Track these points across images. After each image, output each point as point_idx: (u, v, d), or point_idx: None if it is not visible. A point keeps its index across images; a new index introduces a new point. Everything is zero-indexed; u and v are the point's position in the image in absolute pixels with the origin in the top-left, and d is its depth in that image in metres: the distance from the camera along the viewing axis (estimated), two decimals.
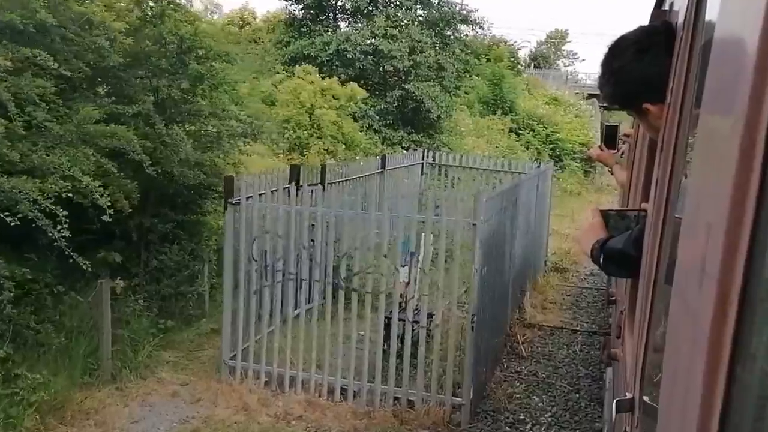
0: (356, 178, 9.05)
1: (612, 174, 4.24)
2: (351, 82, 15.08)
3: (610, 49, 1.90)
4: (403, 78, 16.90)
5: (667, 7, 2.37)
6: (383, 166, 10.23)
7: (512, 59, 28.18)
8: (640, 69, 1.82)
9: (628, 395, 1.68)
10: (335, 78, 14.84)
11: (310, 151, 13.13)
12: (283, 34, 17.14)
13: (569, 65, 54.76)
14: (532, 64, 41.53)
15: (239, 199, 5.99)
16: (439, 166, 12.34)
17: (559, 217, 18.75)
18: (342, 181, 8.62)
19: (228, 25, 18.29)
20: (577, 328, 8.62)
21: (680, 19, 1.66)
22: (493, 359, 6.91)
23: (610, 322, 6.58)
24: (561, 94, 29.11)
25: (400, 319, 5.90)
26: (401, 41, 16.29)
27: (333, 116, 13.85)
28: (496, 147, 21.67)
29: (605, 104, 2.33)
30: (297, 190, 6.36)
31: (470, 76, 26.06)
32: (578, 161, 24.87)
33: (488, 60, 24.99)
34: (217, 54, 7.23)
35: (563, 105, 27.65)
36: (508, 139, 22.66)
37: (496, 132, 22.54)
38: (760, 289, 0.59)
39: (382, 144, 16.47)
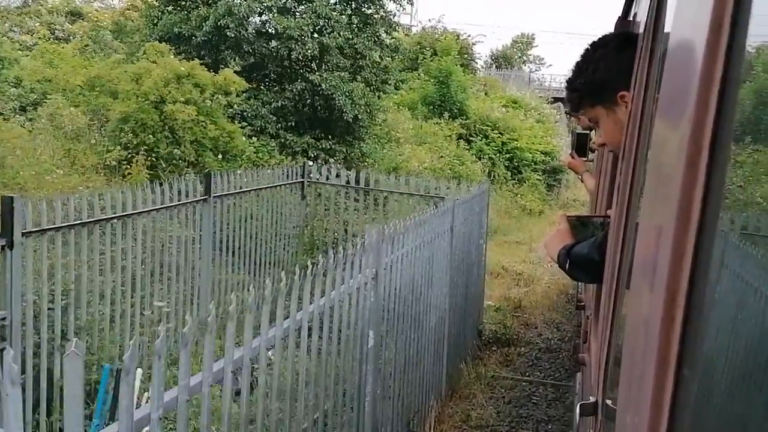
0: (120, 217, 5.04)
1: (582, 182, 4.14)
2: (226, 69, 11.05)
3: (592, 44, 2.02)
4: (310, 67, 12.94)
5: (631, 18, 2.71)
6: (208, 189, 6.23)
7: (466, 55, 24.40)
8: (622, 59, 1.89)
9: (592, 399, 1.69)
10: (197, 61, 10.80)
11: (138, 164, 9.05)
12: (152, 8, 13.04)
13: (536, 70, 51.42)
14: (494, 65, 38.00)
15: None
16: (326, 187, 8.39)
17: (514, 245, 14.96)
18: (85, 223, 4.62)
19: None
20: None
21: (641, 29, 1.77)
22: None
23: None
24: (521, 96, 25.44)
25: None
26: (303, 18, 12.33)
27: (192, 113, 9.81)
28: (441, 156, 17.84)
29: (575, 100, 2.05)
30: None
31: (415, 71, 22.27)
32: (540, 173, 21.18)
33: (434, 54, 21.18)
34: None
35: (523, 108, 23.98)
36: (456, 147, 18.85)
37: (441, 139, 18.71)
38: (707, 290, 0.61)
39: (281, 153, 12.46)
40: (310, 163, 12.56)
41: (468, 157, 18.82)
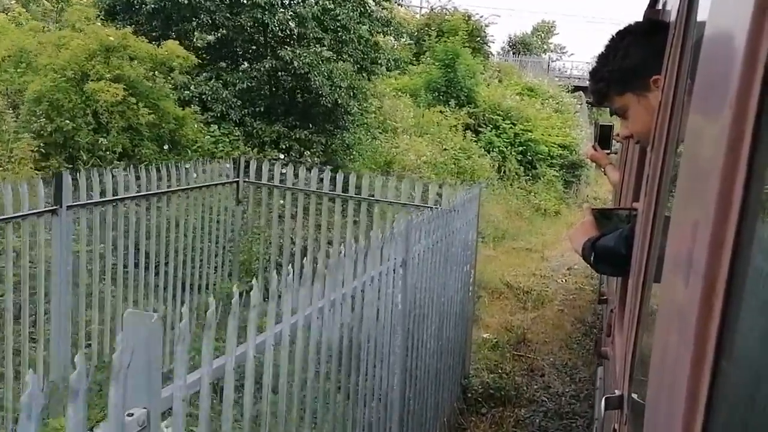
0: None
1: (605, 174, 4.02)
2: (170, 41, 9.11)
3: (617, 33, 1.94)
4: (286, 43, 10.96)
5: (660, 7, 2.53)
6: (58, 198, 4.27)
7: (478, 38, 22.26)
8: (652, 43, 1.83)
9: (617, 392, 1.68)
10: (129, 29, 8.86)
11: (28, 159, 7.19)
12: None
13: (557, 59, 48.91)
14: (510, 52, 35.72)
15: None
16: (270, 189, 6.41)
17: (524, 253, 12.91)
18: None
19: None
20: None
21: (672, 18, 1.70)
22: None
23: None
24: (538, 83, 23.25)
25: None
26: None
27: (118, 92, 7.88)
28: (444, 149, 15.80)
29: (602, 90, 1.96)
30: None
31: (421, 51, 20.20)
32: (557, 169, 19.07)
33: (441, 35, 19.07)
34: None
35: (540, 96, 21.80)
36: (462, 138, 16.78)
37: (445, 129, 16.66)
38: (745, 284, 0.61)
39: (246, 144, 10.52)
40: (282, 156, 10.65)
41: (475, 150, 16.76)
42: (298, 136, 10.82)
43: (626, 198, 3.11)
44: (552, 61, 43.38)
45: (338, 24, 11.02)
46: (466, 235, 5.23)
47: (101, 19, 10.18)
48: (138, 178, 5.42)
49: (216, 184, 6.25)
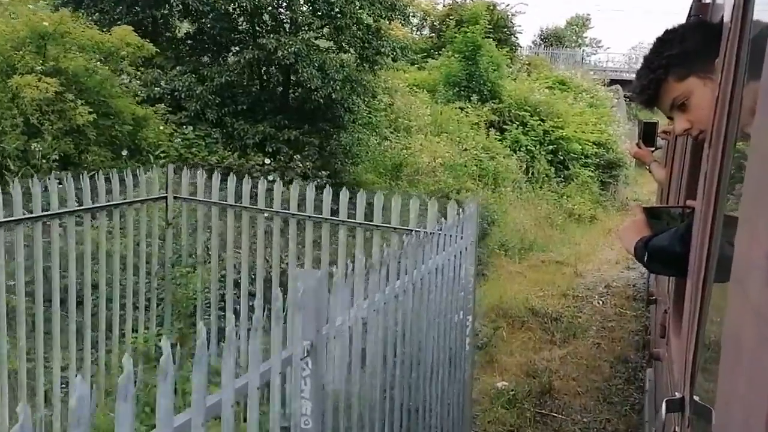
0: None
1: (650, 172, 3.98)
2: (122, 27, 7.71)
3: (666, 30, 1.86)
4: (273, 31, 9.50)
5: (709, 0, 2.42)
6: None
7: (505, 29, 20.56)
8: (711, 27, 1.83)
9: (678, 395, 1.63)
10: (66, 10, 7.47)
11: None
12: None
13: (592, 54, 46.68)
14: (542, 45, 33.83)
15: None
16: (208, 206, 4.90)
17: (554, 267, 11.21)
18: None
19: None
20: None
21: (726, 11, 1.64)
22: None
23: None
24: (570, 76, 21.42)
25: None
26: None
27: (51, 87, 6.51)
28: (465, 149, 14.18)
29: (660, 75, 1.81)
30: None
31: (442, 44, 18.61)
32: (592, 169, 17.29)
33: (459, 25, 17.43)
34: None
35: (573, 90, 20.00)
36: (486, 137, 15.14)
37: (466, 127, 15.03)
38: None
39: (226, 148, 9.11)
40: (267, 161, 9.19)
41: (500, 150, 15.09)
42: (287, 138, 9.35)
43: (676, 196, 3.08)
44: (587, 56, 41.28)
45: (332, 7, 9.51)
46: (455, 272, 3.65)
47: (59, 5, 8.85)
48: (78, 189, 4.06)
49: (140, 201, 4.79)
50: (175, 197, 4.82)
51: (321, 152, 9.67)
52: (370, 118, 11.15)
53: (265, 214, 4.63)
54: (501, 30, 20.14)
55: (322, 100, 9.24)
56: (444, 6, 22.16)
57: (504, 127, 16.02)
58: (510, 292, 9.02)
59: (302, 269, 4.33)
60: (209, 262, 4.88)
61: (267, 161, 9.09)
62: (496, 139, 15.27)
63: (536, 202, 14.73)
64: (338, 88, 9.29)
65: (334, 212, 4.37)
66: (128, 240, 4.74)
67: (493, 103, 16.13)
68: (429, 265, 3.21)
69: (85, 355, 4.43)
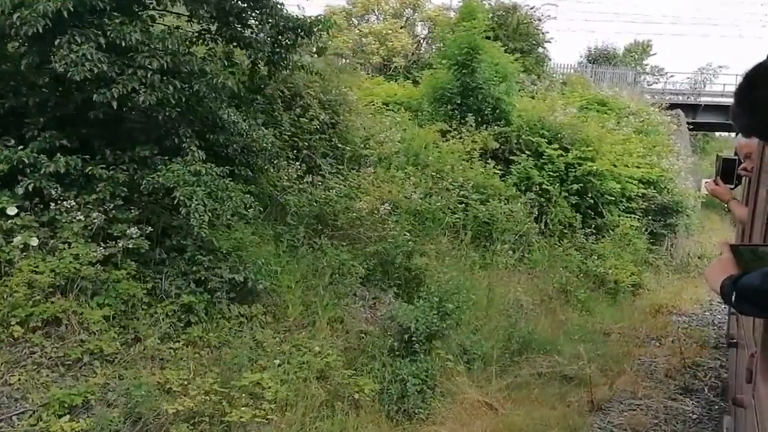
0: None
1: (729, 210, 3.99)
2: None
3: (747, 77, 1.87)
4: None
5: None
6: None
7: (527, 35, 16.27)
8: None
9: None
10: None
11: None
12: None
13: (654, 83, 41.39)
14: (590, 67, 29.19)
15: None
16: None
17: (558, 389, 6.62)
18: None
19: None
20: None
21: None
22: None
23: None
24: (613, 94, 16.89)
25: None
26: None
27: None
28: (446, 189, 9.91)
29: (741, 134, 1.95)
30: None
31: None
32: (638, 216, 12.74)
33: (462, 22, 13.21)
34: None
35: (615, 111, 15.48)
36: (482, 171, 10.81)
37: (453, 156, 10.75)
38: None
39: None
40: (14, 210, 5.23)
41: (501, 189, 10.74)
42: (63, 169, 5.37)
43: (761, 233, 3.03)
44: (648, 85, 36.21)
45: None
46: None
47: None
48: None
49: None
50: None
51: (130, 194, 5.64)
52: (266, 143, 7.04)
53: None
54: (522, 37, 15.86)
55: (107, 111, 5.22)
56: (455, 13, 18.06)
57: (510, 158, 11.67)
58: None
59: None
60: None
61: (13, 210, 5.15)
62: (495, 173, 10.92)
63: (552, 263, 10.30)
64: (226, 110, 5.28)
65: None
66: None
67: (497, 125, 11.83)
68: None
69: None
